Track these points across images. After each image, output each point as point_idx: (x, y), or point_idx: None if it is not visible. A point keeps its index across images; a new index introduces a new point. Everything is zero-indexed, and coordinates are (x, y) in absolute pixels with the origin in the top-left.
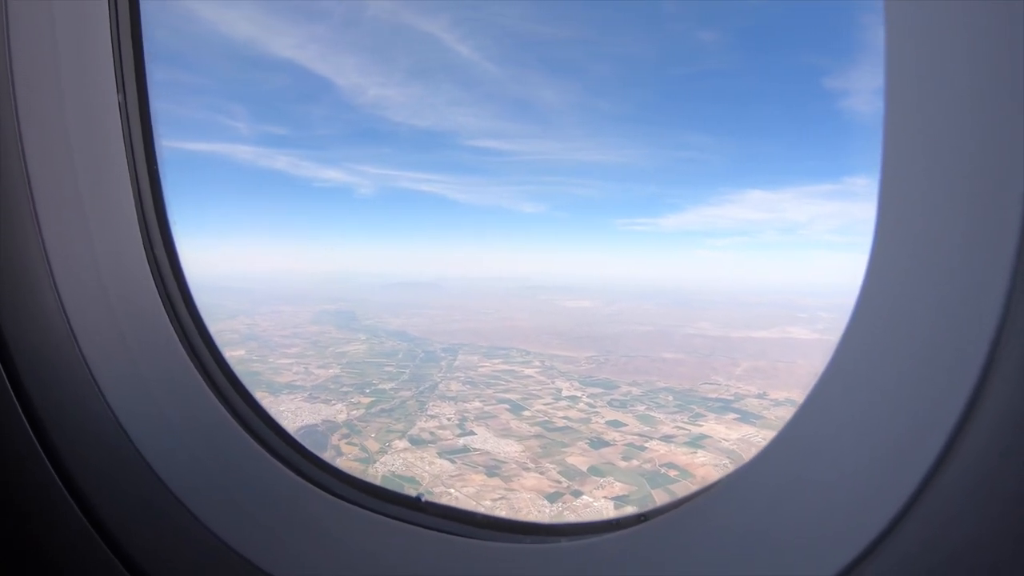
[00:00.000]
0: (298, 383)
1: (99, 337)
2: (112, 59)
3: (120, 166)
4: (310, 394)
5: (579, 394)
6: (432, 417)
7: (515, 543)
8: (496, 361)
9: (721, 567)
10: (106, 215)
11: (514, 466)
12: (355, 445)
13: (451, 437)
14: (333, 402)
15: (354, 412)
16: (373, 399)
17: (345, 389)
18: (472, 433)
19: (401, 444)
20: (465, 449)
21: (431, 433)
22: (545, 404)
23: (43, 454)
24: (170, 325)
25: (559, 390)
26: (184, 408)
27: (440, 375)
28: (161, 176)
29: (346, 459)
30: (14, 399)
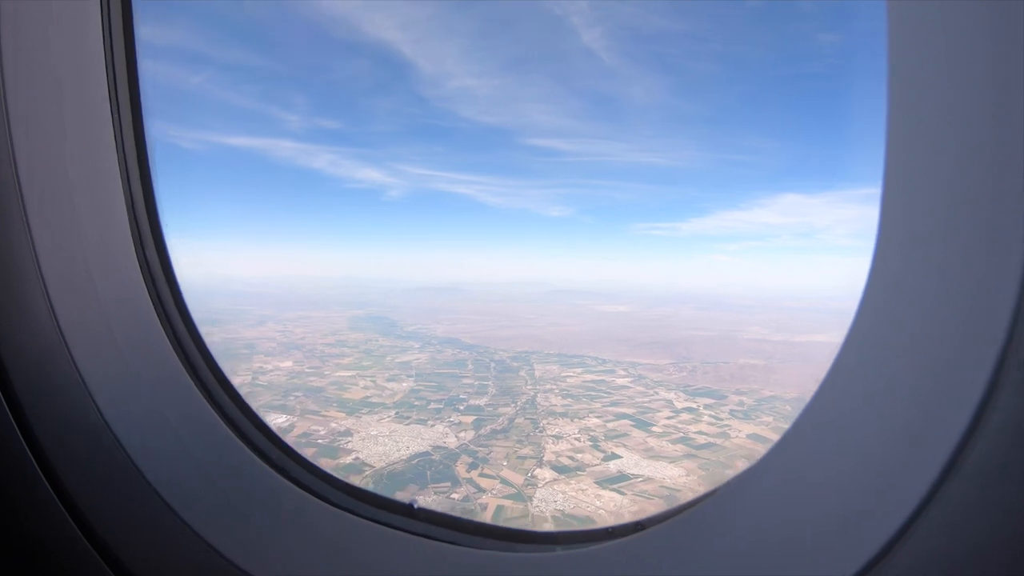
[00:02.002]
0: (373, 399)
1: (88, 338)
2: (104, 58)
3: (111, 166)
4: (397, 413)
5: (693, 405)
6: (558, 438)
7: (509, 551)
8: (577, 371)
9: None
10: (96, 215)
11: (692, 495)
12: (492, 478)
13: (596, 461)
14: (430, 423)
15: (463, 434)
16: (474, 417)
17: (434, 406)
18: (617, 456)
19: (546, 474)
20: (623, 476)
21: (571, 458)
22: (668, 418)
23: (31, 456)
24: (160, 326)
25: (669, 401)
26: (174, 411)
27: (530, 388)
28: (153, 175)
29: (491, 496)
30: (2, 400)
